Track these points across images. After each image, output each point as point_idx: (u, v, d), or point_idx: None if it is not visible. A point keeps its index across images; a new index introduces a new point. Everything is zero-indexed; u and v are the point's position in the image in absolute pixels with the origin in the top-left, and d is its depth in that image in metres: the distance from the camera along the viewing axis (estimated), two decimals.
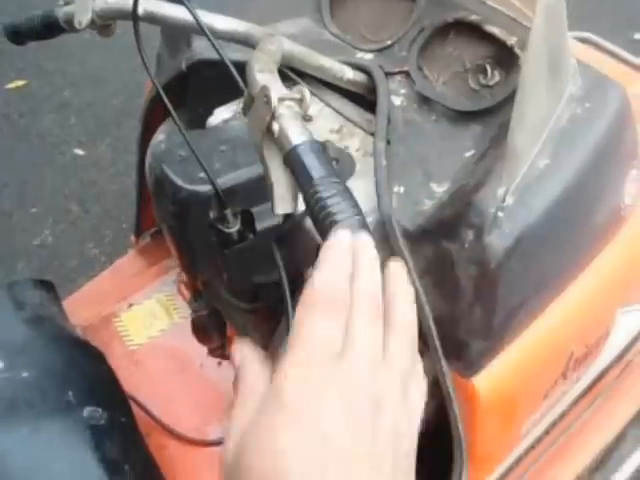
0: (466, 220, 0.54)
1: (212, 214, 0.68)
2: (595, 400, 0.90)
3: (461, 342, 0.60)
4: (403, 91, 0.72)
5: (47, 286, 0.94)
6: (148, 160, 1.03)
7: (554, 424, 0.80)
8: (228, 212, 0.67)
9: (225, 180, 0.66)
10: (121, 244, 1.66)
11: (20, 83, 2.18)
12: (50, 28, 0.75)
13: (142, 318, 1.09)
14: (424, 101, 0.68)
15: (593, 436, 0.92)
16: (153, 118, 1.05)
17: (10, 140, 1.98)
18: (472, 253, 0.54)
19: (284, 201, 0.53)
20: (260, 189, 0.69)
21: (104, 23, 0.71)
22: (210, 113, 0.92)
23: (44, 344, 0.81)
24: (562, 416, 0.80)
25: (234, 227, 0.68)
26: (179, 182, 0.67)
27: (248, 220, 0.69)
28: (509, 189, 0.52)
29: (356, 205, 0.44)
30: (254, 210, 0.69)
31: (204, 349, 1.07)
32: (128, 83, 2.16)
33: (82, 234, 1.69)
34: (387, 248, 0.67)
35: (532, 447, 0.75)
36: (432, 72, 0.68)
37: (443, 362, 0.62)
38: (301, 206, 0.69)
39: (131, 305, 1.10)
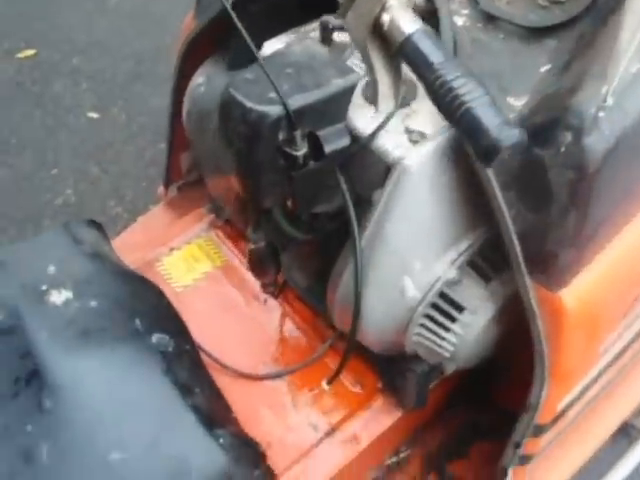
0: (563, 123, 0.54)
1: (281, 135, 0.68)
2: None
3: (549, 254, 0.61)
4: (465, 11, 0.71)
5: (98, 226, 0.93)
6: (187, 104, 1.03)
7: (628, 346, 0.81)
8: (297, 133, 0.67)
9: (294, 100, 0.66)
10: (142, 202, 1.66)
11: (30, 52, 2.16)
12: None
13: (184, 262, 1.09)
14: (489, 20, 0.68)
15: None
16: (187, 66, 1.04)
17: (25, 106, 1.96)
18: (569, 157, 0.54)
19: (387, 99, 0.53)
20: (328, 111, 0.70)
21: None
22: (253, 54, 0.92)
23: (107, 277, 0.81)
24: (635, 338, 0.80)
25: (301, 150, 0.68)
26: (249, 104, 0.67)
27: (315, 144, 0.69)
28: (611, 88, 0.52)
29: (482, 84, 0.44)
30: (321, 133, 0.69)
31: (249, 290, 1.08)
32: (135, 49, 2.14)
33: (103, 193, 1.69)
34: (465, 166, 0.68)
35: (608, 366, 0.76)
36: None
37: (526, 276, 0.63)
38: (369, 128, 0.70)
39: (172, 249, 1.10)
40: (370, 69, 0.53)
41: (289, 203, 0.77)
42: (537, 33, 0.65)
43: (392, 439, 0.94)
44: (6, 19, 2.26)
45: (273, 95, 0.66)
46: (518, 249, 0.62)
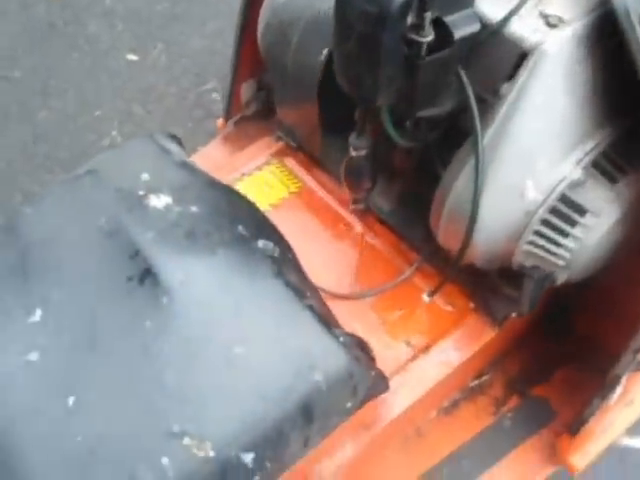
0: None
1: (410, 19, 0.63)
2: None
3: None
4: None
5: (179, 140, 0.89)
6: (265, 17, 0.97)
7: None
8: (427, 16, 0.62)
9: None
10: (189, 142, 1.59)
11: None
12: None
13: (257, 188, 1.04)
14: None
15: None
16: None
17: (60, 47, 1.88)
18: None
19: None
20: None
21: None
22: None
23: (201, 185, 0.77)
24: None
25: (428, 36, 0.63)
26: None
27: (444, 30, 0.64)
28: None
29: None
30: (450, 19, 0.64)
31: (329, 214, 1.04)
32: None
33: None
34: (602, 55, 0.63)
35: None
36: None
37: None
38: (499, 13, 0.65)
39: (243, 175, 1.06)
40: None
41: (398, 106, 0.72)
42: None
43: (482, 359, 0.91)
44: None
45: None
46: None
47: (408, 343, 0.86)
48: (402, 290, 0.92)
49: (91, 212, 0.70)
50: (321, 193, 1.04)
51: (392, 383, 0.78)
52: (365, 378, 0.66)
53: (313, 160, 1.08)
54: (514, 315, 0.87)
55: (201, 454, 0.57)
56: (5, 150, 1.65)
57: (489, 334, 0.88)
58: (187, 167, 0.80)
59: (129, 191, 0.73)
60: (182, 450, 0.57)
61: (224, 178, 1.08)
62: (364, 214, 0.99)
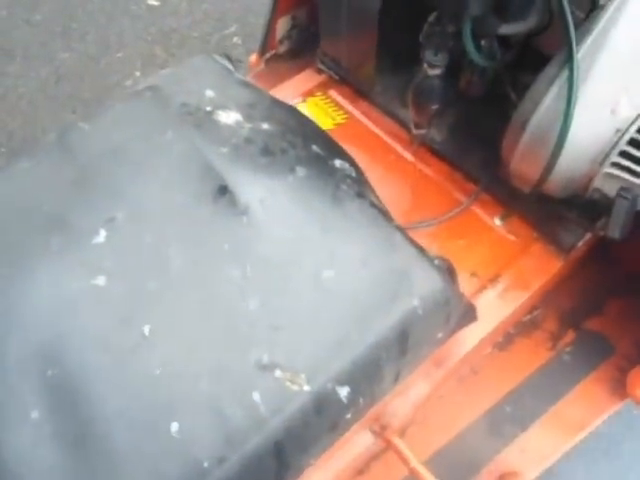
0: None
1: None
2: None
3: None
4: None
5: (231, 61, 0.77)
6: None
7: None
8: None
9: None
10: None
11: None
12: None
13: None
14: None
15: None
16: None
17: None
18: None
19: None
20: None
21: None
22: None
23: (269, 103, 0.66)
24: None
25: None
26: None
27: None
28: None
29: None
30: None
31: (379, 145, 0.93)
32: None
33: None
34: None
35: None
36: None
37: None
38: None
39: (296, 103, 0.94)
40: None
41: (484, 17, 0.62)
42: None
43: (544, 291, 0.83)
44: None
45: None
46: None
47: (474, 274, 0.77)
48: (462, 219, 0.82)
49: (156, 127, 0.59)
50: (369, 124, 0.93)
51: None
52: (458, 306, 0.58)
53: (358, 92, 0.97)
54: (580, 244, 0.79)
55: (295, 387, 0.48)
56: (28, 90, 1.51)
57: (556, 264, 0.79)
58: (250, 86, 0.69)
59: (195, 106, 0.62)
60: (274, 384, 0.48)
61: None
62: (415, 146, 0.90)
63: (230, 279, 0.52)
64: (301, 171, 0.58)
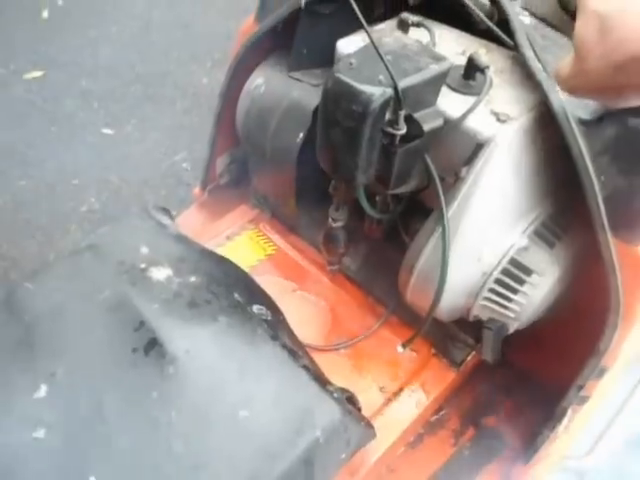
0: None
1: (388, 115, 0.64)
2: None
3: (636, 212, 0.60)
4: (527, 16, 0.71)
5: (169, 213, 0.86)
6: (245, 104, 0.97)
7: None
8: (402, 113, 0.63)
9: (402, 82, 0.63)
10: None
11: (37, 74, 2.02)
12: None
13: (237, 251, 1.02)
14: (548, 24, 0.68)
15: None
16: (242, 68, 0.98)
17: (40, 122, 1.83)
18: None
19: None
20: (424, 95, 0.67)
21: None
22: (313, 55, 0.87)
23: (197, 256, 0.74)
24: None
25: (402, 130, 0.65)
26: (360, 86, 0.62)
27: (414, 124, 0.66)
28: None
29: None
30: (418, 115, 0.66)
31: (302, 275, 1.02)
32: (141, 73, 2.05)
33: (126, 200, 1.58)
34: (542, 143, 0.66)
35: None
36: None
37: (609, 234, 0.62)
38: (457, 111, 0.68)
39: (226, 239, 1.04)
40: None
41: (373, 185, 0.73)
42: None
43: (443, 398, 0.91)
44: (11, 43, 2.10)
45: (379, 78, 0.63)
46: (603, 211, 0.61)
47: (382, 389, 0.86)
48: (372, 340, 0.91)
49: (94, 286, 0.66)
50: (295, 255, 1.03)
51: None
52: (357, 429, 0.64)
53: (286, 226, 1.08)
54: (469, 357, 0.88)
55: None
56: None
57: (450, 376, 0.88)
58: (182, 239, 0.77)
59: (131, 264, 0.69)
60: None
61: (206, 244, 1.06)
62: (334, 274, 1.00)
63: (158, 425, 0.57)
64: (223, 320, 0.66)
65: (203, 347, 0.62)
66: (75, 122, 1.84)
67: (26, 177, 1.67)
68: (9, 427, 0.54)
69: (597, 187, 0.61)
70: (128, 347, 0.61)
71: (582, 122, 0.60)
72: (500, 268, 0.73)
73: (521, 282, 0.73)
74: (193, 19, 2.15)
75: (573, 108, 0.61)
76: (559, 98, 0.61)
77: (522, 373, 1.00)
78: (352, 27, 0.81)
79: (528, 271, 0.73)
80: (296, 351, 0.67)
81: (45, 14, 2.19)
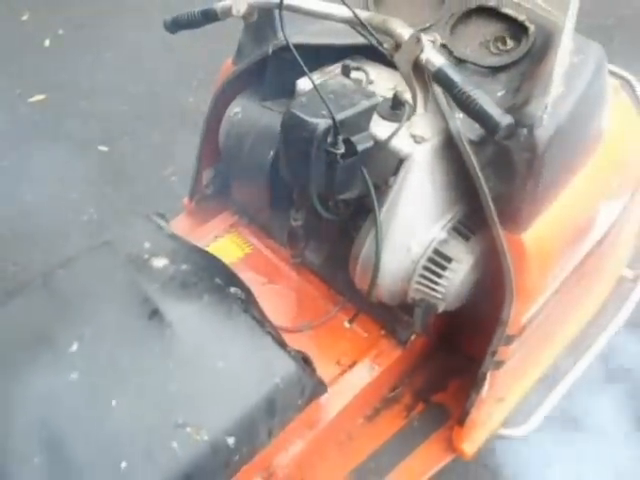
0: (520, 123, 0.77)
1: (329, 139, 0.88)
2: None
3: (514, 209, 0.83)
4: (443, 57, 0.95)
5: (165, 218, 1.09)
6: (226, 128, 1.21)
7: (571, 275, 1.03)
8: (339, 138, 0.87)
9: (339, 115, 0.86)
10: None
11: (40, 97, 2.27)
12: (208, 18, 0.93)
13: (220, 250, 1.25)
14: (460, 63, 0.92)
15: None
16: (220, 101, 1.22)
17: (42, 142, 2.07)
18: (525, 144, 0.77)
19: (422, 106, 0.75)
20: (357, 123, 0.91)
21: (251, 12, 0.90)
22: (280, 88, 1.11)
23: (187, 249, 0.98)
24: (572, 272, 1.03)
25: (341, 150, 0.88)
26: (307, 118, 0.86)
27: (350, 145, 0.89)
28: (549, 100, 0.75)
29: (485, 92, 0.66)
30: (354, 138, 0.89)
31: (274, 269, 1.25)
32: (133, 94, 2.30)
33: (122, 211, 1.80)
34: (452, 158, 0.90)
35: (555, 292, 0.98)
36: (462, 43, 0.92)
37: (498, 225, 0.85)
38: (385, 134, 0.91)
39: (213, 239, 1.27)
40: (412, 88, 0.75)
41: (323, 192, 0.97)
42: (493, 70, 0.90)
43: (395, 374, 1.13)
44: (18, 69, 2.37)
45: (322, 112, 0.87)
46: (492, 208, 0.85)
47: (338, 362, 1.08)
48: (331, 324, 1.14)
49: (109, 272, 0.90)
50: (268, 253, 1.26)
51: (328, 393, 0.99)
52: (309, 382, 0.87)
53: (261, 229, 1.31)
54: (413, 337, 1.11)
55: (198, 438, 0.76)
56: None
57: (397, 352, 1.11)
58: (175, 237, 1.01)
59: (137, 255, 0.93)
60: (185, 436, 0.76)
61: (199, 243, 1.29)
62: (300, 267, 1.22)
63: (159, 371, 0.81)
64: (206, 297, 0.89)
65: (192, 316, 0.86)
66: (74, 140, 2.09)
67: (31, 192, 1.91)
68: (52, 371, 0.78)
69: (486, 191, 0.85)
70: (136, 316, 0.85)
71: (472, 142, 0.84)
72: (426, 257, 0.97)
73: (443, 268, 0.97)
74: (179, 43, 2.41)
75: (466, 131, 0.85)
76: (456, 124, 0.85)
77: (469, 357, 1.23)
78: (307, 69, 1.05)
79: (448, 259, 0.96)
80: (263, 322, 0.90)
81: (47, 42, 2.47)
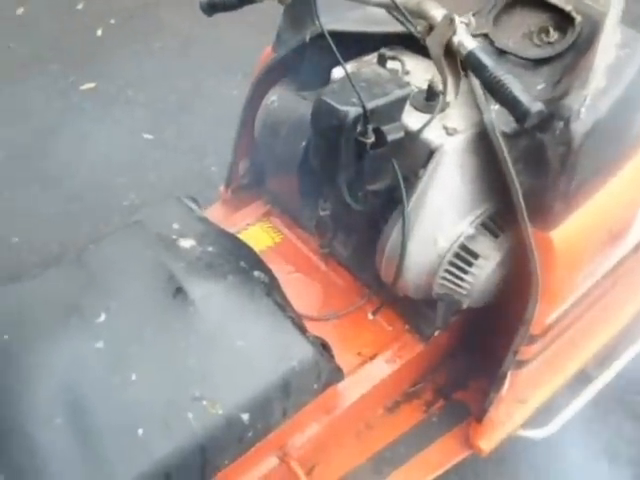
0: (557, 115, 0.76)
1: (358, 128, 0.89)
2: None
3: (545, 206, 0.82)
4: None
5: (196, 201, 1.12)
6: (262, 116, 1.24)
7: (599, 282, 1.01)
8: (369, 127, 0.88)
9: (369, 104, 0.87)
10: None
11: (91, 85, 2.37)
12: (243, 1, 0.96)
13: (251, 238, 1.28)
14: (501, 54, 0.91)
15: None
16: (259, 89, 1.25)
17: (90, 127, 2.16)
18: (561, 137, 0.76)
19: (453, 92, 0.75)
20: (389, 113, 0.91)
21: None
22: (316, 78, 1.12)
23: (215, 232, 1.01)
24: (604, 276, 1.01)
25: (370, 139, 0.89)
26: (338, 106, 0.88)
27: (381, 135, 0.90)
28: (589, 94, 0.74)
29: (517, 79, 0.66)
30: (384, 128, 0.90)
31: (303, 259, 1.27)
32: (178, 85, 2.36)
33: (161, 196, 1.84)
34: (484, 152, 0.89)
35: (584, 295, 0.96)
36: (504, 34, 0.91)
37: (528, 223, 0.84)
38: (416, 125, 0.92)
39: (244, 227, 1.30)
40: (443, 74, 0.75)
41: (352, 182, 0.98)
42: (534, 63, 0.89)
43: (416, 369, 1.13)
44: (72, 58, 2.47)
45: (354, 100, 0.88)
46: (522, 205, 0.83)
47: (359, 353, 1.09)
48: (356, 315, 1.15)
49: (139, 249, 0.94)
50: (298, 243, 1.29)
51: (346, 381, 1.00)
52: (326, 367, 0.89)
53: (292, 219, 1.33)
54: (437, 333, 1.10)
55: (213, 411, 0.79)
56: (44, 214, 1.89)
57: (419, 347, 1.12)
58: (204, 220, 1.05)
59: (165, 235, 0.97)
60: (201, 408, 0.79)
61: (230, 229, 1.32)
62: (328, 258, 1.24)
63: (180, 346, 0.84)
64: (230, 279, 0.92)
65: (215, 296, 0.89)
66: (121, 127, 2.17)
67: (78, 176, 2.00)
68: (80, 339, 0.83)
69: (517, 185, 0.84)
70: (161, 292, 0.88)
71: (505, 135, 0.83)
72: (452, 252, 0.96)
73: (469, 264, 0.96)
74: (227, 35, 2.47)
75: (500, 123, 0.84)
76: (490, 116, 0.84)
77: (492, 356, 1.22)
78: (345, 57, 1.06)
79: (475, 255, 0.96)
80: (285, 307, 0.92)
81: (99, 32, 2.57)
